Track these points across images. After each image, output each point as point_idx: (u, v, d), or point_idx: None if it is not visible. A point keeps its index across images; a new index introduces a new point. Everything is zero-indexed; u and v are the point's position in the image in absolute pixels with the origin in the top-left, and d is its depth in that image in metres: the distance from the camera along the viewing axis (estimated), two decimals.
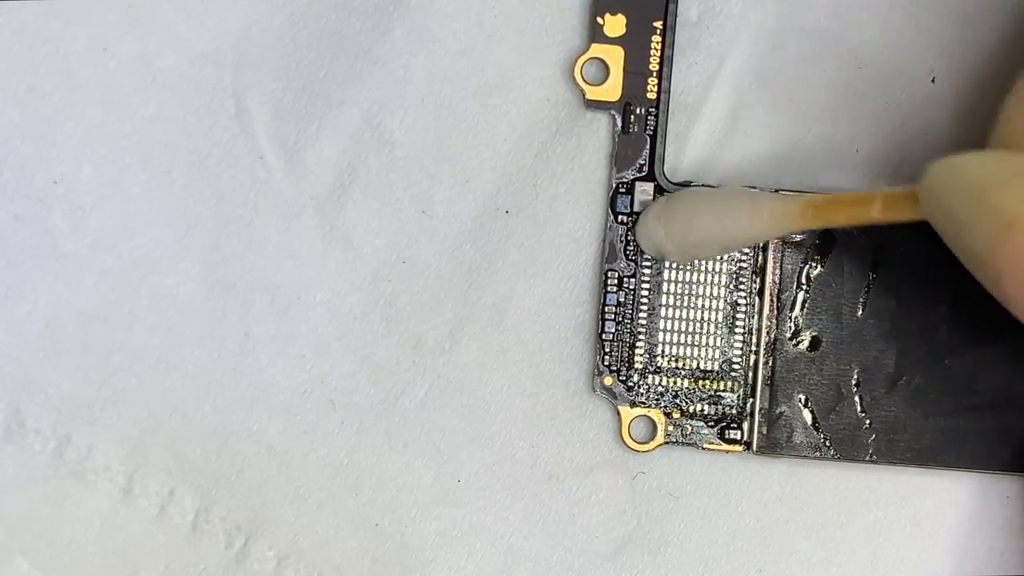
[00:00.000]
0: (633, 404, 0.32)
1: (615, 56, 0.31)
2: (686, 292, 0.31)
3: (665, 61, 0.31)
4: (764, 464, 0.32)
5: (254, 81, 0.31)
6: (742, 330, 0.31)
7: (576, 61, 0.31)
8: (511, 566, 0.32)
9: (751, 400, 0.31)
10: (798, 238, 0.31)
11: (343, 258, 0.32)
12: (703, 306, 0.31)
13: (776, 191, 0.30)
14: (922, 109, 0.32)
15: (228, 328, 0.32)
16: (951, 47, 0.32)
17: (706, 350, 0.32)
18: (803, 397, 0.31)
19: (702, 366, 0.32)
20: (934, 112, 0.32)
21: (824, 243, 0.31)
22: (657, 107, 0.31)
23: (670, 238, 0.30)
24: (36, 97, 0.31)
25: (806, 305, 0.31)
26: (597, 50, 0.31)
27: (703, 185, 0.31)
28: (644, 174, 0.31)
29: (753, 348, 0.31)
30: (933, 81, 0.32)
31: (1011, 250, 0.23)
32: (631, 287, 0.31)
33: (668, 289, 0.31)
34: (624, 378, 0.32)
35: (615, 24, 0.31)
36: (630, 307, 0.31)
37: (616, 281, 0.31)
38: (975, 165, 0.25)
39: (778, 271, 0.31)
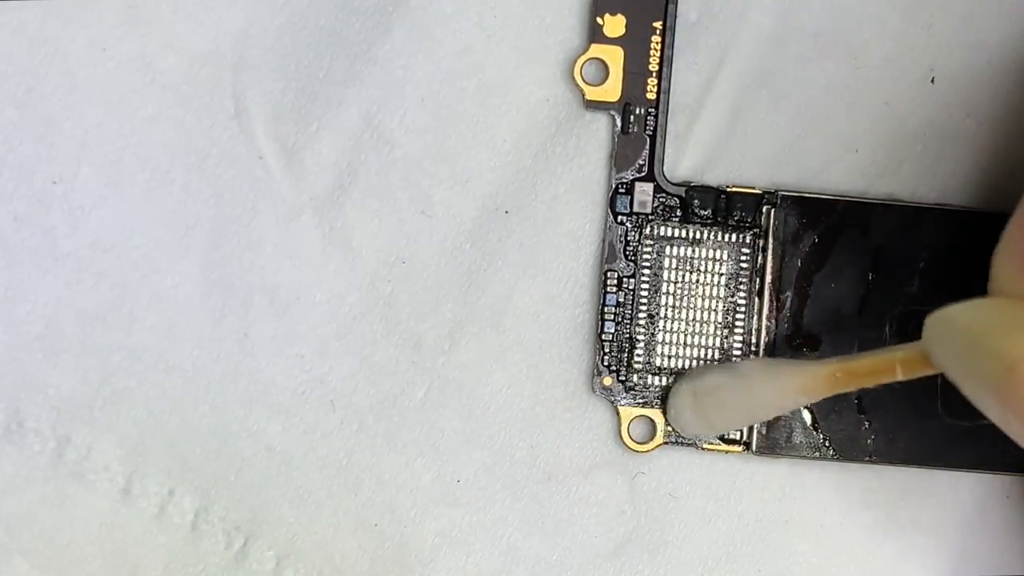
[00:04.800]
0: (633, 404, 0.32)
1: (615, 56, 0.31)
2: (686, 292, 0.31)
3: (665, 61, 0.31)
4: (764, 464, 0.32)
5: (254, 81, 0.32)
6: (742, 330, 0.31)
7: (576, 61, 0.31)
8: (511, 566, 0.32)
9: None
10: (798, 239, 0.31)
11: (342, 258, 0.32)
12: (703, 306, 0.31)
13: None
14: (922, 109, 0.32)
15: (227, 328, 0.32)
16: (951, 47, 0.32)
17: (706, 350, 0.32)
18: None
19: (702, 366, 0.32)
20: (934, 112, 0.32)
21: (824, 243, 0.31)
22: (657, 107, 0.31)
23: (702, 423, 0.31)
24: (36, 97, 0.31)
25: (806, 305, 0.31)
26: (597, 50, 0.31)
27: (702, 186, 0.31)
28: (644, 174, 0.31)
29: (753, 348, 0.31)
30: (933, 81, 0.32)
31: (1014, 393, 0.23)
32: (631, 287, 0.31)
33: (668, 289, 0.31)
34: (624, 378, 0.32)
35: (615, 24, 0.31)
36: (630, 307, 0.31)
37: (616, 281, 0.31)
38: (968, 316, 0.26)
39: (778, 271, 0.31)
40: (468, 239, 0.32)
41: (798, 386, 0.29)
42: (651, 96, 0.31)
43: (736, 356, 0.31)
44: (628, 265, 0.31)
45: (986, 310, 0.26)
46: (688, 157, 0.32)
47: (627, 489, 0.32)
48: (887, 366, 0.27)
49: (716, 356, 0.31)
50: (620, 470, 0.32)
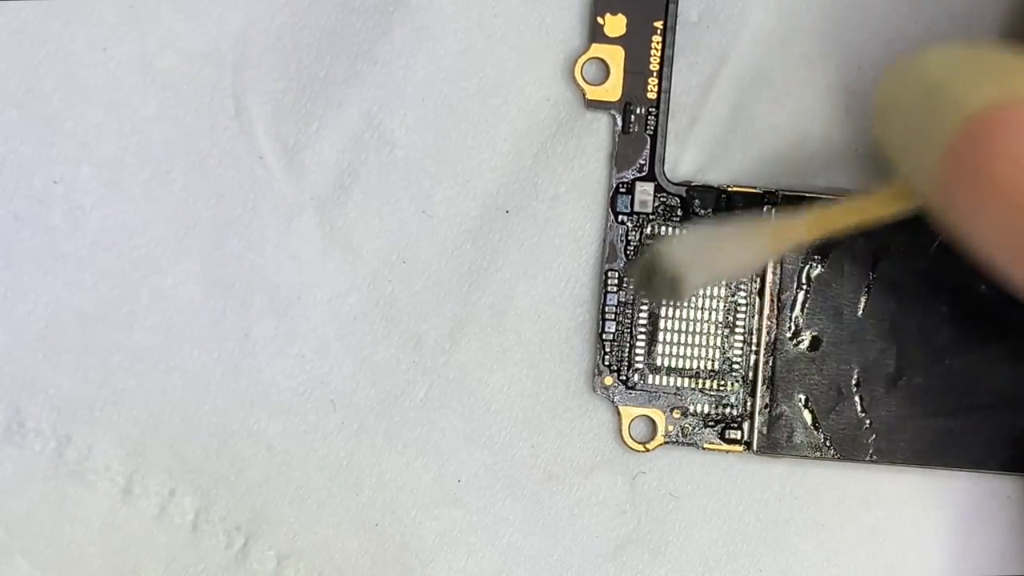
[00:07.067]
0: (633, 404, 0.32)
1: (615, 56, 0.31)
2: None
3: (665, 61, 0.31)
4: (764, 464, 0.32)
5: (254, 81, 0.31)
6: (742, 330, 0.31)
7: (576, 61, 0.31)
8: (511, 566, 0.32)
9: (751, 400, 0.31)
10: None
11: (343, 258, 0.32)
12: (703, 306, 0.31)
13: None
14: None
15: (228, 328, 0.32)
16: None
17: (706, 350, 0.32)
18: (803, 397, 0.31)
19: (702, 366, 0.32)
20: None
21: (824, 243, 0.31)
22: (657, 107, 0.31)
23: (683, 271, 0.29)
24: (36, 97, 0.31)
25: (806, 305, 0.31)
26: (597, 50, 0.31)
27: (703, 185, 0.31)
28: (644, 174, 0.31)
29: (753, 348, 0.31)
30: None
31: (967, 150, 0.19)
32: (631, 287, 0.31)
33: None
34: (624, 378, 0.32)
35: (615, 24, 0.31)
36: (630, 307, 0.31)
37: (616, 281, 0.31)
38: (935, 59, 0.22)
39: (778, 271, 0.31)
40: (468, 239, 0.32)
41: (778, 229, 0.28)
42: (652, 96, 0.31)
43: (736, 355, 0.31)
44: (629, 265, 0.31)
45: (956, 54, 0.22)
46: (689, 157, 0.32)
47: (627, 489, 0.32)
48: (862, 204, 0.26)
49: (716, 356, 0.31)
50: (620, 470, 0.32)
